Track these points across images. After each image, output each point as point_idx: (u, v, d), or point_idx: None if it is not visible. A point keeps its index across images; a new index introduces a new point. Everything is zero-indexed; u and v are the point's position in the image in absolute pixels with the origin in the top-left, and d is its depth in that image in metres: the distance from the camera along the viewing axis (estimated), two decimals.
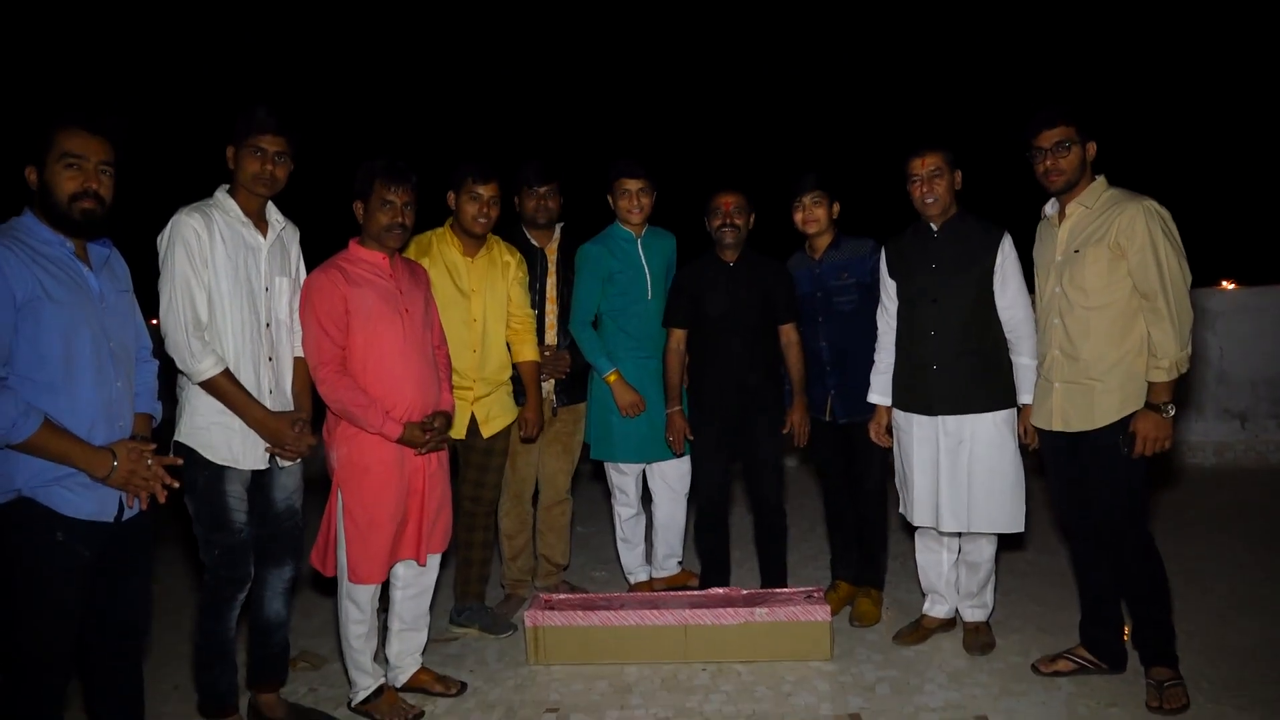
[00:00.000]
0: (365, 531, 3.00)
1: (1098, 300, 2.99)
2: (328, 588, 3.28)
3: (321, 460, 3.11)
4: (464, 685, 3.32)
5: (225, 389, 2.75)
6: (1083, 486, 3.11)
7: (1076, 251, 3.04)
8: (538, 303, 3.98)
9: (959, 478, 3.31)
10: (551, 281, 4.03)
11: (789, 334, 3.79)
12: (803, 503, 5.45)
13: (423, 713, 3.15)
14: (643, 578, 4.23)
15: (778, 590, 3.71)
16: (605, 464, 4.16)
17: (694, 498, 4.02)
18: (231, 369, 2.77)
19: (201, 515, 2.81)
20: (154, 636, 3.87)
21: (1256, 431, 6.26)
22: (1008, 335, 3.33)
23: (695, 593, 3.70)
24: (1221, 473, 6.03)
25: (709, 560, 3.96)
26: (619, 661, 3.44)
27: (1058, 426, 3.11)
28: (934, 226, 3.37)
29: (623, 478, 4.14)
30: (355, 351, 3.00)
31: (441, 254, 3.66)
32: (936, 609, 3.60)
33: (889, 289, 3.51)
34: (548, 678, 3.38)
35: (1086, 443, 3.06)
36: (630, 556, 4.24)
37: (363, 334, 2.99)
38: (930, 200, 3.32)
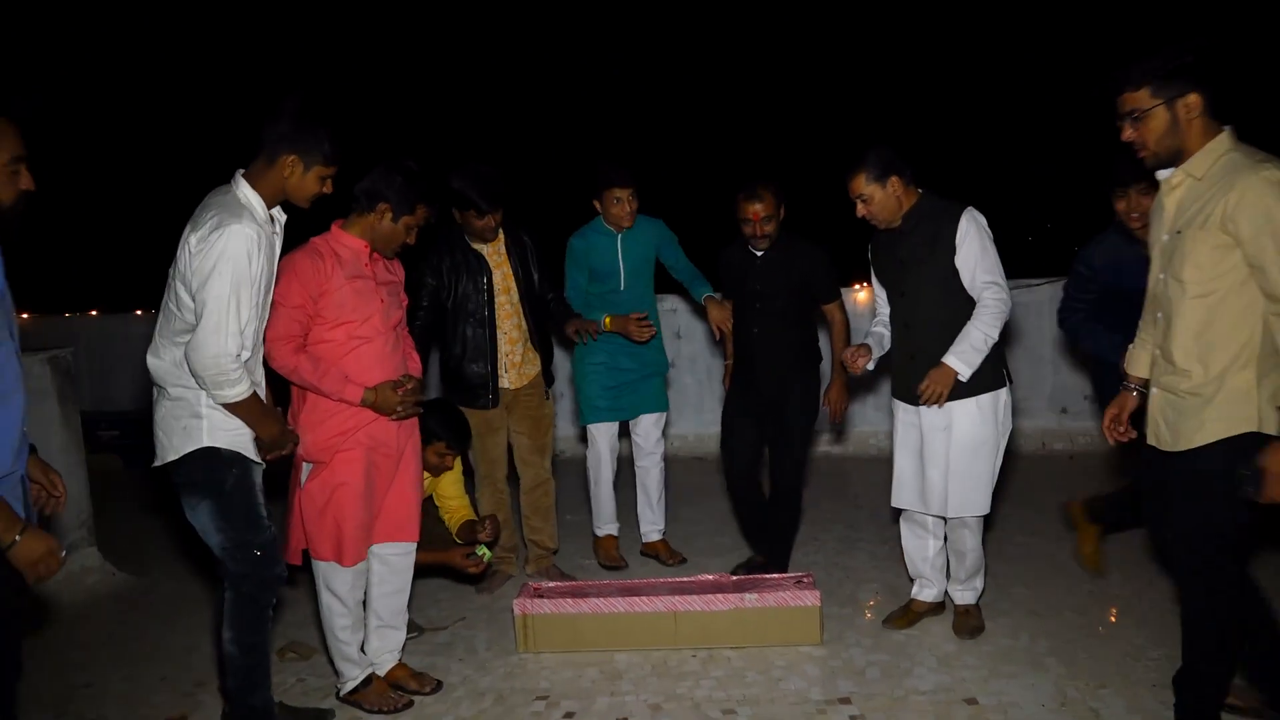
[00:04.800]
0: (322, 509, 2.96)
1: (1196, 293, 2.38)
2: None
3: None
4: (439, 684, 3.26)
5: (251, 406, 2.63)
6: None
7: (1179, 233, 2.43)
8: (486, 302, 3.91)
9: (938, 463, 3.31)
10: (504, 273, 3.98)
11: (832, 313, 3.93)
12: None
13: (412, 702, 3.13)
14: (611, 531, 4.44)
15: (767, 576, 3.71)
16: (587, 427, 4.36)
17: (725, 467, 4.15)
18: (252, 374, 2.67)
19: (235, 518, 2.67)
20: (142, 629, 3.88)
21: None
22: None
23: (684, 579, 3.69)
24: None
25: (745, 527, 4.28)
26: (609, 649, 3.43)
27: (1151, 441, 2.56)
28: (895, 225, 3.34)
29: (600, 439, 4.35)
30: (337, 338, 2.94)
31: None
32: (925, 593, 3.59)
33: (876, 282, 3.55)
34: (537, 665, 3.37)
35: (1177, 462, 2.49)
36: (601, 517, 4.44)
37: (348, 321, 2.94)
38: (871, 219, 3.32)
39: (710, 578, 3.67)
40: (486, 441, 4.02)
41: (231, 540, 2.67)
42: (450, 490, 3.78)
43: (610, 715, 3.01)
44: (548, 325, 4.15)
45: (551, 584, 3.70)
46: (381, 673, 3.22)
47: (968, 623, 3.46)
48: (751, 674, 3.22)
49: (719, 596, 3.43)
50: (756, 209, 3.74)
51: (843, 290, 6.46)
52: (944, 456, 3.30)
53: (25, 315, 8.08)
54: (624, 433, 4.49)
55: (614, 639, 3.43)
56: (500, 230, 3.99)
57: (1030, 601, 3.72)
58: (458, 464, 3.79)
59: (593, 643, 3.43)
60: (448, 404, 3.78)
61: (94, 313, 7.96)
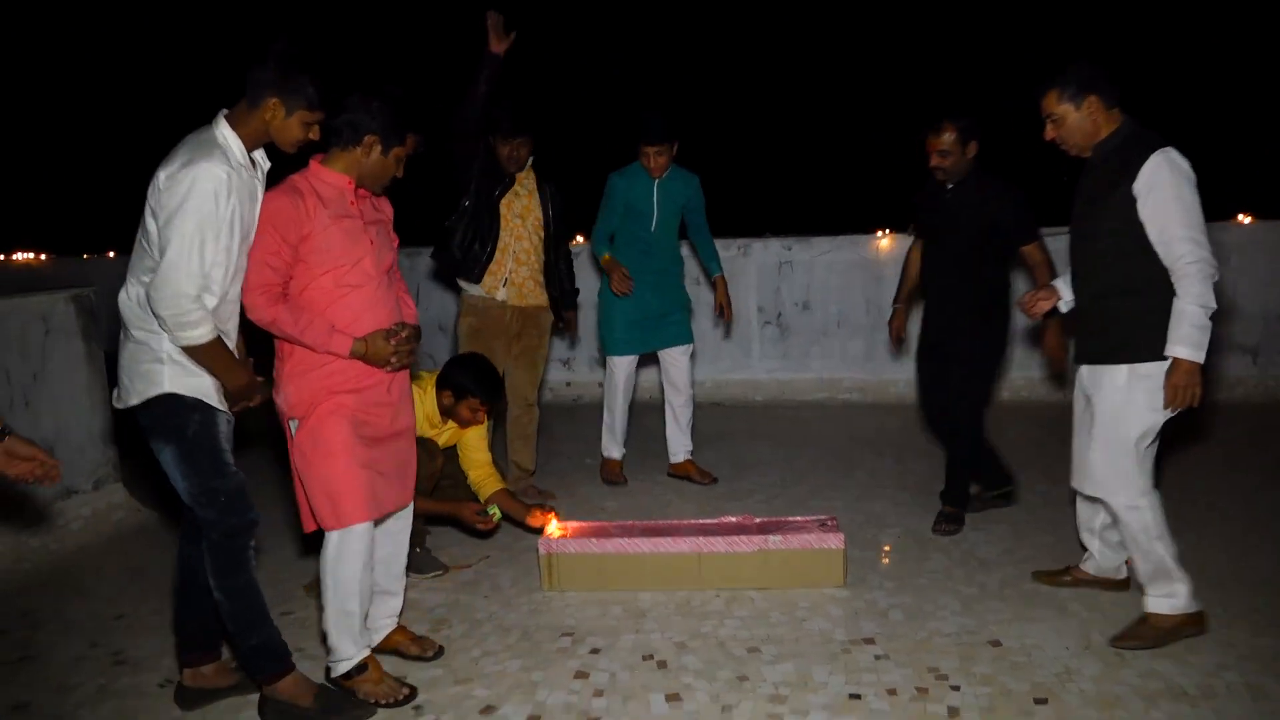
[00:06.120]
0: (312, 461, 2.69)
1: None
2: None
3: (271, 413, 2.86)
4: (441, 649, 3.08)
5: (215, 352, 2.53)
6: None
7: None
8: (502, 207, 4.28)
9: (1084, 432, 3.05)
10: (524, 203, 4.34)
11: (1031, 254, 3.88)
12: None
13: (414, 691, 2.82)
14: (616, 455, 4.84)
15: (791, 519, 3.71)
16: (609, 358, 4.75)
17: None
18: (223, 323, 2.58)
19: (200, 464, 2.58)
20: (169, 564, 3.89)
21: (1267, 367, 6.23)
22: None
23: (708, 520, 3.71)
24: (1233, 408, 5.97)
25: (951, 462, 4.13)
26: (633, 588, 3.46)
27: None
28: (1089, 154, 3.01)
29: (618, 370, 4.73)
30: (324, 285, 2.70)
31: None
32: (1087, 564, 3.37)
33: None
34: (562, 603, 3.40)
35: None
36: (610, 441, 4.84)
37: (336, 267, 2.70)
38: (1061, 144, 3.01)
39: (734, 519, 3.68)
40: (493, 344, 4.29)
41: (196, 486, 2.59)
42: (475, 444, 3.73)
43: (635, 653, 3.03)
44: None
45: (575, 524, 3.71)
46: (380, 638, 3.03)
47: (1136, 630, 2.97)
48: (775, 614, 3.24)
49: (743, 538, 3.44)
50: (936, 141, 3.80)
51: (876, 234, 6.48)
52: (1089, 425, 3.01)
53: (44, 256, 8.08)
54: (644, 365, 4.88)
55: (638, 579, 3.45)
56: (531, 169, 4.36)
57: (1053, 547, 3.73)
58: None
59: (617, 583, 3.46)
60: (479, 358, 3.72)
61: (111, 254, 7.94)
